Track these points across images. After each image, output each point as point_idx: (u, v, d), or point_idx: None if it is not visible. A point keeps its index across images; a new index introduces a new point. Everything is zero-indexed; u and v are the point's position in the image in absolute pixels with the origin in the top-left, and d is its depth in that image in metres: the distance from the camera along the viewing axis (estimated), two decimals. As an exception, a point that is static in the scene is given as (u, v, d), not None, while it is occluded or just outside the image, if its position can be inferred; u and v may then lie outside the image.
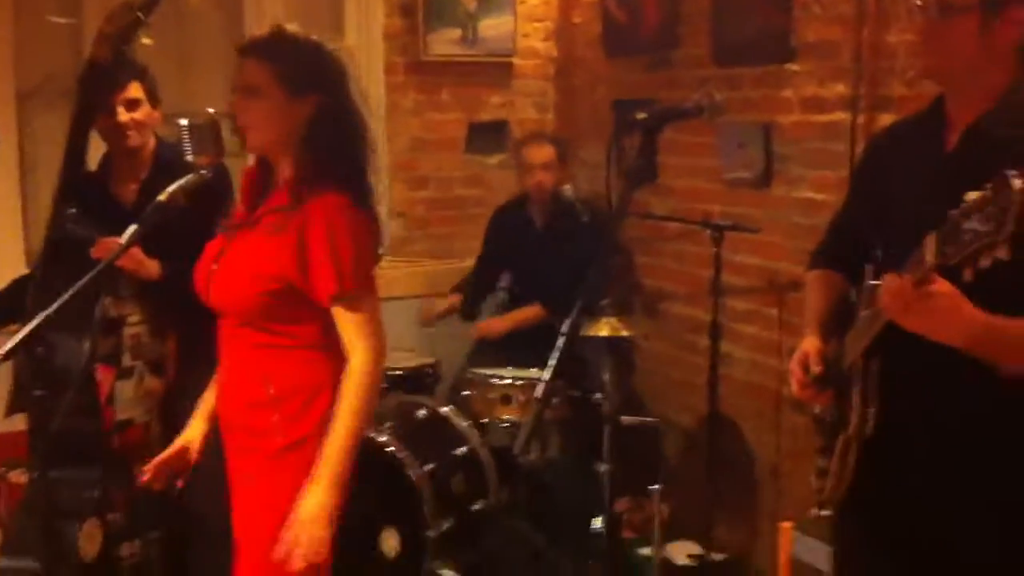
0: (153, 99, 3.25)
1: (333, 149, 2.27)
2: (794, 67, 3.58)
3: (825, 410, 2.22)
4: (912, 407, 2.00)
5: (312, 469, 2.23)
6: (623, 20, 4.48)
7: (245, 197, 2.41)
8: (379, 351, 2.25)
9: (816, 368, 2.15)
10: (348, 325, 2.23)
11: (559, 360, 2.03)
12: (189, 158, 2.38)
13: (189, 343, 3.15)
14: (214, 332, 2.96)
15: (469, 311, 4.35)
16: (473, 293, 4.38)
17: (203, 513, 3.18)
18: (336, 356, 2.30)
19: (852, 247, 2.22)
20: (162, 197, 2.32)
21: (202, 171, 2.37)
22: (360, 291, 2.24)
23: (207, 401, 2.48)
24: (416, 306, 4.50)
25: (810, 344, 2.22)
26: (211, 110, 2.38)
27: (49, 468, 2.86)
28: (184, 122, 2.38)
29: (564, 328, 2.06)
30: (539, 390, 2.05)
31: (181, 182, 2.34)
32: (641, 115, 2.13)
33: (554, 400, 3.60)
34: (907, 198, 2.06)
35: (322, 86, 2.29)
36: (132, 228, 2.31)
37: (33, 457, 2.97)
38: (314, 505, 2.17)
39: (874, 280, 1.98)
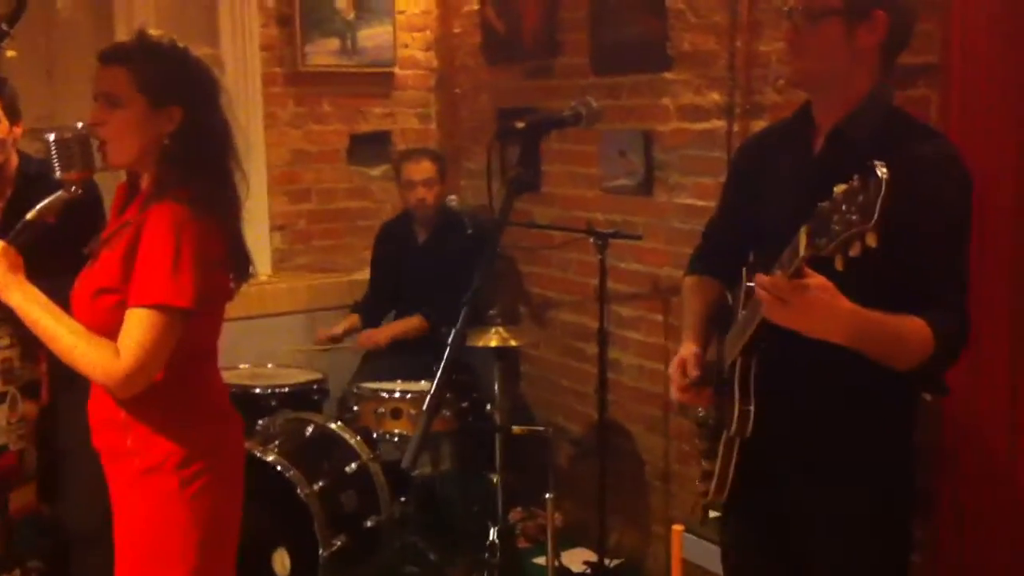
0: (12, 114, 3.10)
1: (191, 162, 2.18)
2: (671, 76, 3.64)
3: (707, 413, 2.25)
4: (787, 405, 2.05)
5: (170, 496, 2.19)
6: (502, 29, 4.49)
7: (115, 213, 2.33)
8: (132, 373, 2.09)
9: (693, 372, 2.19)
10: (134, 332, 2.08)
11: (445, 371, 2.01)
12: (57, 174, 2.28)
13: (63, 364, 3.05)
14: None
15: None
16: (371, 311, 4.33)
17: (80, 532, 3.10)
18: (192, 379, 2.24)
19: (727, 251, 2.26)
20: (29, 216, 2.24)
21: (72, 187, 2.28)
22: (161, 305, 2.08)
23: None
24: (301, 321, 4.44)
25: (687, 349, 2.26)
26: (80, 124, 2.27)
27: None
28: (51, 136, 2.26)
29: (450, 338, 2.04)
30: (426, 402, 2.03)
31: (49, 200, 2.25)
32: (520, 124, 2.13)
33: (444, 412, 3.58)
34: (777, 201, 2.11)
35: (186, 96, 2.19)
36: None
37: None
38: (7, 280, 2.17)
39: (750, 283, 2.02)
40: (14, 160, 3.15)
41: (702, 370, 2.19)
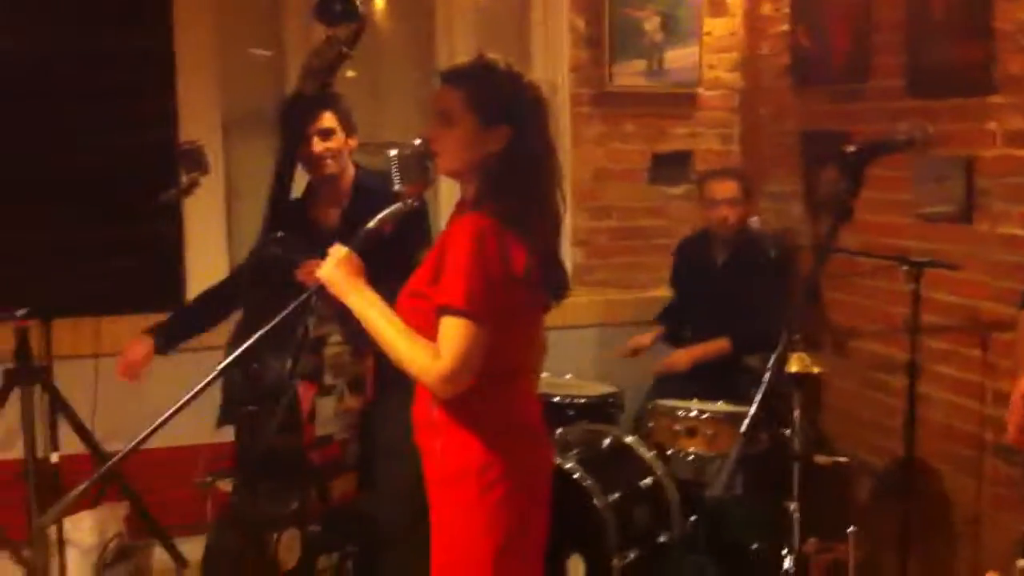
0: (348, 127, 3.31)
1: (510, 180, 2.27)
2: (997, 99, 3.45)
3: None
4: None
5: (471, 502, 2.27)
6: (812, 50, 4.41)
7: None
8: (450, 374, 2.20)
9: None
10: (444, 335, 2.20)
11: (764, 397, 2.01)
12: (397, 187, 2.46)
13: (387, 362, 3.24)
14: None
15: (675, 338, 4.31)
16: (674, 321, 4.37)
17: (391, 524, 3.28)
18: (502, 390, 2.33)
19: None
20: (371, 224, 2.38)
21: (409, 200, 2.43)
22: (467, 310, 2.19)
23: None
24: (596, 334, 4.53)
25: None
26: (418, 141, 2.45)
27: (253, 480, 3.02)
28: (392, 152, 2.44)
29: (769, 363, 2.04)
30: (744, 426, 2.04)
31: (389, 210, 2.39)
32: (851, 148, 2.10)
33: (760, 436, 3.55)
34: None
35: (515, 118, 2.29)
36: None
37: (239, 469, 3.11)
38: (350, 284, 2.30)
39: None
40: (350, 171, 3.39)
41: None
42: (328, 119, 3.26)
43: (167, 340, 3.37)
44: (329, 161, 3.29)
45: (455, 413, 2.31)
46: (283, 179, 3.18)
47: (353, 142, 3.36)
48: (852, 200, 2.12)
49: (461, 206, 2.39)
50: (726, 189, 4.18)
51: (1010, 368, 3.40)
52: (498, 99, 2.30)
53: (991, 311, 3.46)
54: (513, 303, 2.27)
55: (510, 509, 2.30)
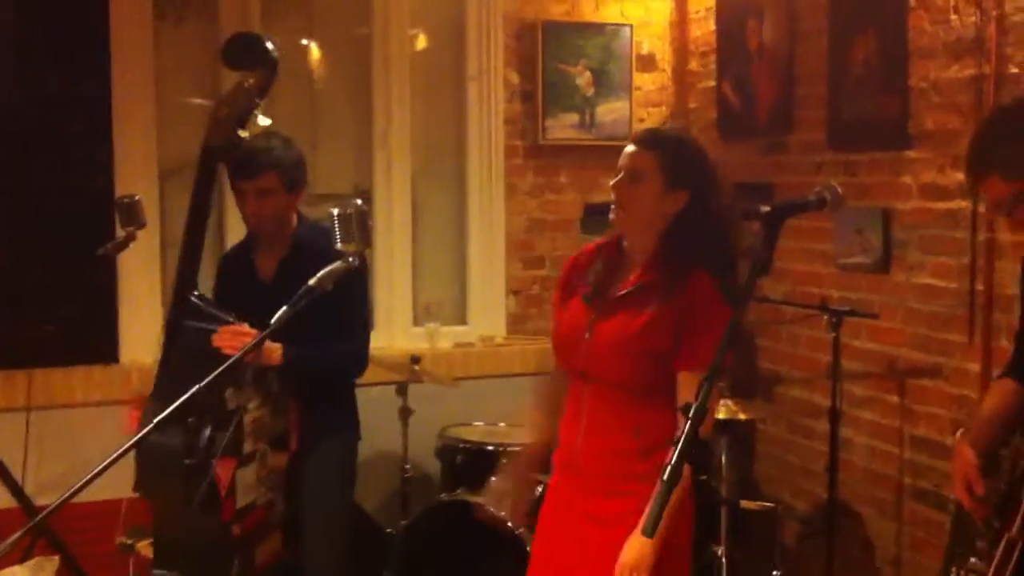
0: (292, 184, 3.21)
1: (698, 239, 2.47)
2: (912, 154, 3.59)
3: (991, 516, 2.25)
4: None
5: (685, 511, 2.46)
6: (738, 105, 4.55)
7: (583, 269, 2.68)
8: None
9: (979, 490, 2.23)
10: (684, 391, 2.39)
11: (684, 443, 2.07)
12: (338, 245, 2.51)
13: (310, 411, 3.18)
14: (336, 396, 3.26)
15: None
16: None
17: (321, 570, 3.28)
18: None
19: None
20: (312, 282, 2.39)
21: (349, 258, 2.47)
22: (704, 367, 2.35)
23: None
24: (531, 383, 4.56)
25: (968, 458, 2.29)
26: (358, 201, 2.52)
27: (174, 563, 2.91)
28: (335, 211, 2.51)
29: (691, 412, 2.10)
30: (666, 473, 2.09)
31: (329, 268, 2.41)
32: (765, 208, 2.18)
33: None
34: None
35: (695, 183, 2.50)
36: (280, 313, 2.36)
37: (156, 551, 3.01)
38: (642, 551, 2.34)
39: None
40: (293, 222, 3.31)
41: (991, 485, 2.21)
42: (268, 179, 3.16)
43: None
44: (263, 220, 3.23)
45: (661, 438, 2.40)
46: (195, 236, 3.02)
47: (298, 197, 3.27)
48: (769, 256, 2.20)
49: (642, 263, 2.54)
50: None
51: (927, 414, 3.52)
52: (684, 166, 2.52)
53: (908, 358, 3.58)
54: None
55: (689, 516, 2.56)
